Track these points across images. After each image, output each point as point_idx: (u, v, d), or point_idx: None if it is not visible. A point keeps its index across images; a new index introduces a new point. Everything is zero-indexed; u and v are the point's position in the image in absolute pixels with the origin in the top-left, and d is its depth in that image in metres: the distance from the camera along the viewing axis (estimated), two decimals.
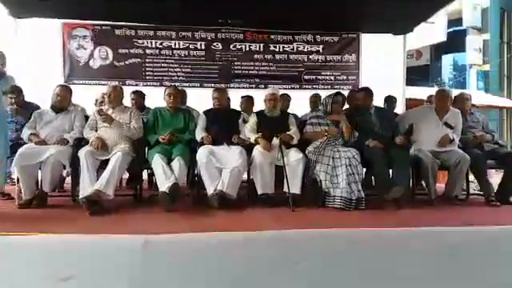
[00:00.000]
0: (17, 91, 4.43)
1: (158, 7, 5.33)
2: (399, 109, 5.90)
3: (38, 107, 4.43)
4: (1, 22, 6.03)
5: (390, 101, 5.47)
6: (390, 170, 3.78)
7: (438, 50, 19.34)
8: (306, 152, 3.83)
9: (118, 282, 2.17)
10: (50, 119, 3.87)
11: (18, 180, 3.55)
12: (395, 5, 5.13)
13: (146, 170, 4.09)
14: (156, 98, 5.26)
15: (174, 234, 2.43)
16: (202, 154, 3.65)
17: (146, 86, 5.94)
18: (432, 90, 6.46)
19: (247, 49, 6.25)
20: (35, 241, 2.42)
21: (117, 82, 5.25)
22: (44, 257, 2.27)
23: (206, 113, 4.15)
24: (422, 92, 7.68)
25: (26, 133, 3.75)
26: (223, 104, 4.23)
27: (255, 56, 6.25)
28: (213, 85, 6.11)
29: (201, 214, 3.26)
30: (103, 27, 6.00)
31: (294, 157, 3.74)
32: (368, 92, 4.20)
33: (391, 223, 3.01)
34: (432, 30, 15.23)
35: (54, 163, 3.45)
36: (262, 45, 6.24)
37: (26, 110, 4.37)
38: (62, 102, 3.95)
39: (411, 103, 6.28)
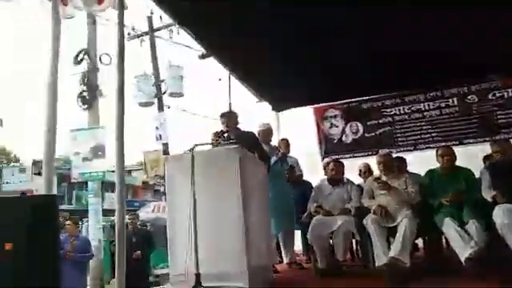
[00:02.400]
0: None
1: (403, 75, 5.39)
2: None
3: (310, 183, 4.97)
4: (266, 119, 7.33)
5: None
6: None
7: None
8: None
9: None
10: (329, 191, 4.22)
11: (311, 250, 3.89)
12: None
13: None
14: (412, 162, 5.16)
15: None
16: (500, 214, 3.19)
17: (399, 151, 5.89)
18: None
19: (510, 95, 5.52)
20: None
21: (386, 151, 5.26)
22: None
23: (491, 167, 3.72)
24: None
25: (311, 206, 4.16)
26: (508, 154, 3.73)
27: None
28: (472, 140, 5.59)
29: None
30: (351, 104, 6.46)
31: None
32: None
33: None
34: None
35: (345, 232, 3.66)
36: None
37: (302, 185, 4.97)
38: (338, 175, 4.27)
39: None
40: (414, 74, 5.31)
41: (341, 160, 4.80)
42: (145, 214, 11.89)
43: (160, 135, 12.10)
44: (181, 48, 12.94)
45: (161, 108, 12.84)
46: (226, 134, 3.78)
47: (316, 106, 6.74)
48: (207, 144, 3.57)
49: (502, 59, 4.96)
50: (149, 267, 7.15)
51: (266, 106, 7.05)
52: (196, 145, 3.36)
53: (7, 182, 19.04)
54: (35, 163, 19.61)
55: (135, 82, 11.52)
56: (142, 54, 12.49)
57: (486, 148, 4.45)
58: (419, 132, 5.97)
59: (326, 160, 5.36)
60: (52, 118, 2.95)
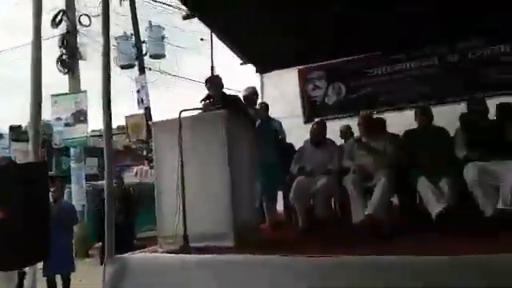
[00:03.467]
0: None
1: (386, 35, 5.41)
2: None
3: (292, 145, 5.10)
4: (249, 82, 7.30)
5: None
6: None
7: None
8: None
9: None
10: (312, 153, 4.35)
11: (293, 210, 4.07)
12: None
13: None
14: (393, 122, 5.28)
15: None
16: (470, 171, 3.38)
17: (381, 112, 5.96)
18: None
19: (489, 53, 5.62)
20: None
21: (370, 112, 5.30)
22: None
23: (466, 126, 3.86)
24: None
25: (294, 167, 4.30)
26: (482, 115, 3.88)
27: (501, 58, 5.54)
28: (451, 99, 5.69)
29: (483, 236, 2.93)
30: (334, 65, 6.47)
31: None
32: None
33: None
34: None
35: (325, 192, 3.83)
36: (508, 45, 5.49)
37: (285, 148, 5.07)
38: (320, 137, 4.40)
39: None
40: (395, 34, 5.35)
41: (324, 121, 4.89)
42: (128, 178, 11.96)
43: (142, 99, 11.98)
44: (162, 8, 12.60)
45: (142, 70, 12.63)
46: (211, 99, 3.82)
47: (300, 67, 6.73)
48: (194, 109, 3.61)
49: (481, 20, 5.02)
50: (134, 231, 7.32)
51: (250, 68, 7.03)
52: (182, 110, 3.39)
53: None
54: (13, 129, 19.09)
55: (115, 44, 11.21)
56: (121, 14, 12.08)
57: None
58: (401, 92, 6.04)
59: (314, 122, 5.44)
60: (37, 84, 2.93)
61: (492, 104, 4.29)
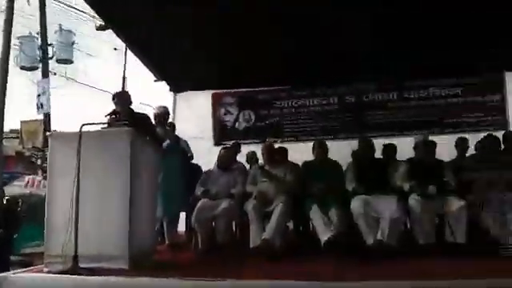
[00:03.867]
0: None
1: (293, 72, 5.85)
2: None
3: (199, 167, 5.15)
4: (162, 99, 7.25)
5: None
6: None
7: None
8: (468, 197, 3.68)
9: None
10: (217, 177, 4.44)
11: (194, 232, 4.09)
12: None
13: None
14: (297, 151, 5.63)
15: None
16: (356, 204, 3.75)
17: (284, 141, 6.34)
18: None
19: (380, 98, 6.37)
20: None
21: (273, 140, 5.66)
22: None
23: (357, 162, 4.28)
24: None
25: (199, 190, 4.34)
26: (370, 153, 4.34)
27: (388, 104, 6.33)
28: (344, 136, 6.27)
29: (364, 263, 3.27)
30: (246, 93, 6.76)
31: (455, 204, 3.61)
32: None
33: None
34: None
35: (226, 216, 3.92)
36: (395, 93, 6.31)
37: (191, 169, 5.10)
38: (226, 162, 4.52)
39: None
40: (303, 72, 5.81)
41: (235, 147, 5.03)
42: (17, 188, 10.81)
43: (42, 104, 11.03)
44: (74, 13, 11.98)
45: (45, 74, 11.73)
46: (118, 115, 3.71)
47: (214, 91, 6.87)
48: (98, 124, 3.47)
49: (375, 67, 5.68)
50: (12, 248, 6.66)
51: (164, 86, 6.98)
52: (84, 124, 3.25)
53: None
54: None
55: (18, 44, 10.31)
56: (28, 13, 11.18)
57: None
58: (303, 125, 6.55)
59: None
60: None
61: (379, 144, 4.89)
